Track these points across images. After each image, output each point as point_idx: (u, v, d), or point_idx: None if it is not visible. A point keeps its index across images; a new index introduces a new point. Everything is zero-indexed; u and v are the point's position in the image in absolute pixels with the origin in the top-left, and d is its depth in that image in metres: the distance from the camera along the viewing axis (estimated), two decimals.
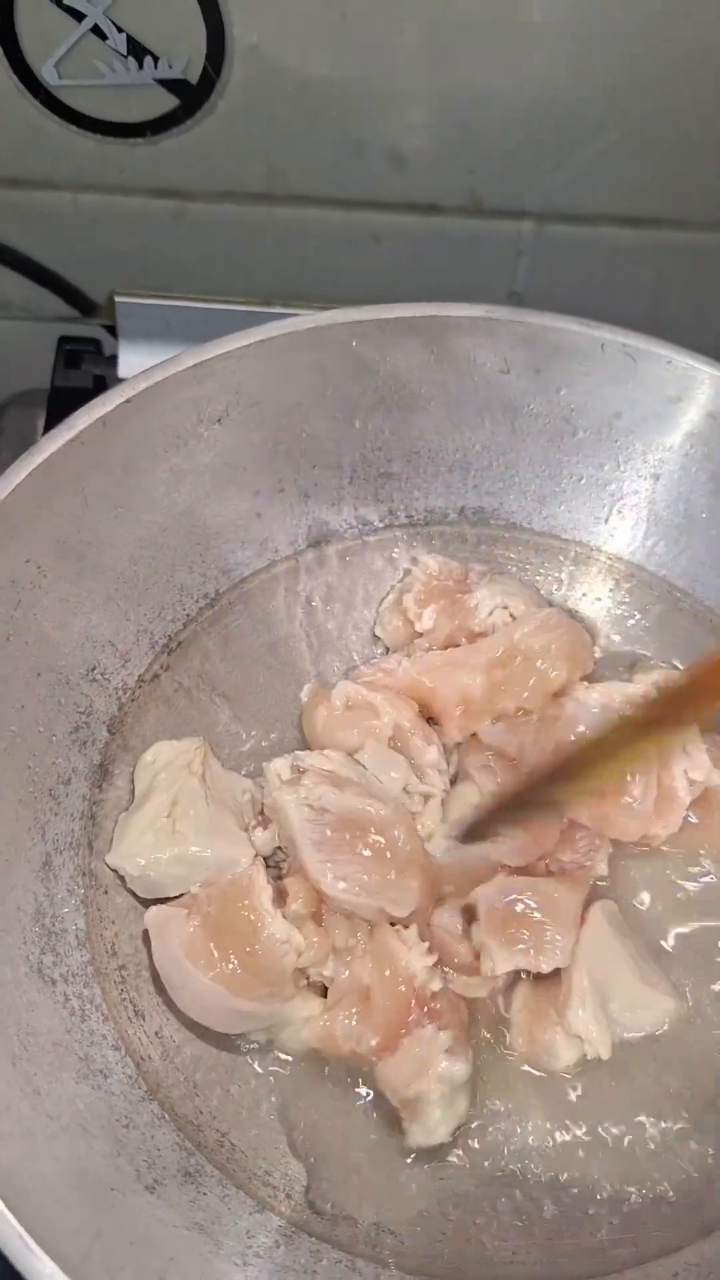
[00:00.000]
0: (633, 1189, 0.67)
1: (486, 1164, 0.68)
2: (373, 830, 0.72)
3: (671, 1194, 0.68)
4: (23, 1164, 0.57)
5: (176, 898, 0.72)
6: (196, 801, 0.73)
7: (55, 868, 0.71)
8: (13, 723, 0.72)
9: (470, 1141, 0.68)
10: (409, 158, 0.91)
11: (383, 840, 0.72)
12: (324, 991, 0.71)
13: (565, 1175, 0.68)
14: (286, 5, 0.82)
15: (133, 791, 0.76)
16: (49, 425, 1.00)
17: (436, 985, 0.69)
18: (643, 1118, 0.70)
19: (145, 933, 0.71)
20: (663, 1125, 0.70)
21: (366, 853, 0.71)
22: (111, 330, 1.02)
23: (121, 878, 0.73)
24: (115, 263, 0.98)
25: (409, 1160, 0.67)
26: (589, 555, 0.87)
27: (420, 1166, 0.67)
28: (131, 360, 1.01)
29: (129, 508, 0.79)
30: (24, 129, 0.89)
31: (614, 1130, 0.69)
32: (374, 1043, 0.68)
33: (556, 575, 0.87)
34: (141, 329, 1.00)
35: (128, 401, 0.77)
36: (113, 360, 1.02)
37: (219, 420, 0.82)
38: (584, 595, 0.87)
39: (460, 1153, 0.68)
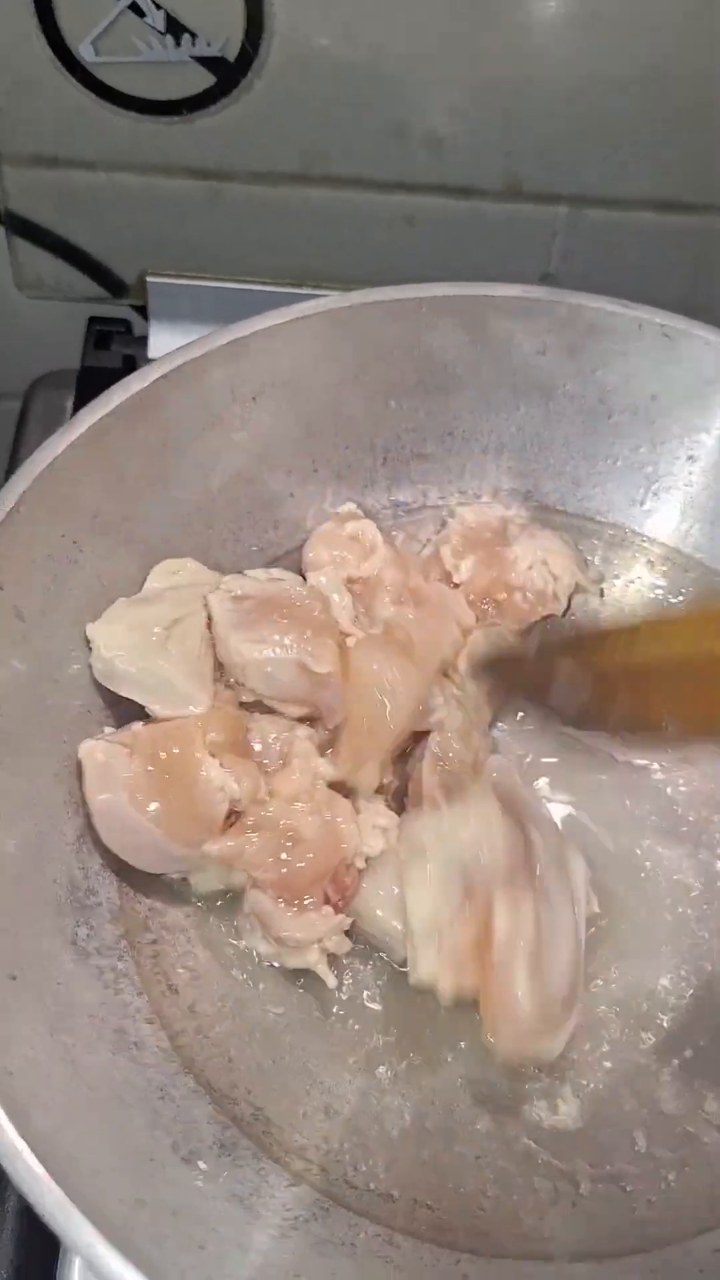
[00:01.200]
0: (670, 1166, 0.67)
1: (523, 1141, 0.67)
2: (290, 605, 0.76)
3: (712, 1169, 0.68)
4: (63, 1132, 0.57)
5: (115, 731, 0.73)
6: (195, 632, 0.75)
7: (89, 841, 0.71)
8: (49, 697, 0.72)
9: (503, 1118, 0.68)
10: (446, 140, 0.91)
11: (298, 612, 0.75)
12: None
13: (600, 1151, 0.67)
14: None
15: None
16: (78, 405, 0.99)
17: (377, 849, 0.72)
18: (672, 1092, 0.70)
19: (79, 766, 0.71)
20: (698, 1097, 0.69)
21: (284, 621, 0.75)
22: (142, 311, 1.02)
23: (88, 644, 0.74)
24: (148, 243, 0.98)
25: (444, 1140, 0.67)
26: (624, 538, 0.87)
27: (456, 1144, 0.67)
28: (162, 341, 1.00)
29: (163, 484, 0.79)
30: (60, 107, 0.89)
31: (648, 1107, 0.69)
32: (270, 879, 0.70)
33: (591, 558, 0.87)
34: (172, 310, 1.00)
35: (164, 377, 0.77)
36: (143, 341, 1.01)
37: (253, 399, 0.81)
38: (618, 577, 0.86)
39: (496, 1129, 0.68)
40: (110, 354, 1.02)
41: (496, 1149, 0.67)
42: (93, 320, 1.03)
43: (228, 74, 0.87)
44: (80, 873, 0.70)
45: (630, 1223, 0.65)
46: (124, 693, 0.74)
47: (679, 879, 0.76)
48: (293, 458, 0.84)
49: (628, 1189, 0.66)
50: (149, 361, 0.98)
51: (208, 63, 0.86)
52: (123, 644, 0.73)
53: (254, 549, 0.84)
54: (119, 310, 1.03)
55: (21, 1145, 0.53)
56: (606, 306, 0.83)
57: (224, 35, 0.85)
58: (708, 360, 0.82)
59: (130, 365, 1.01)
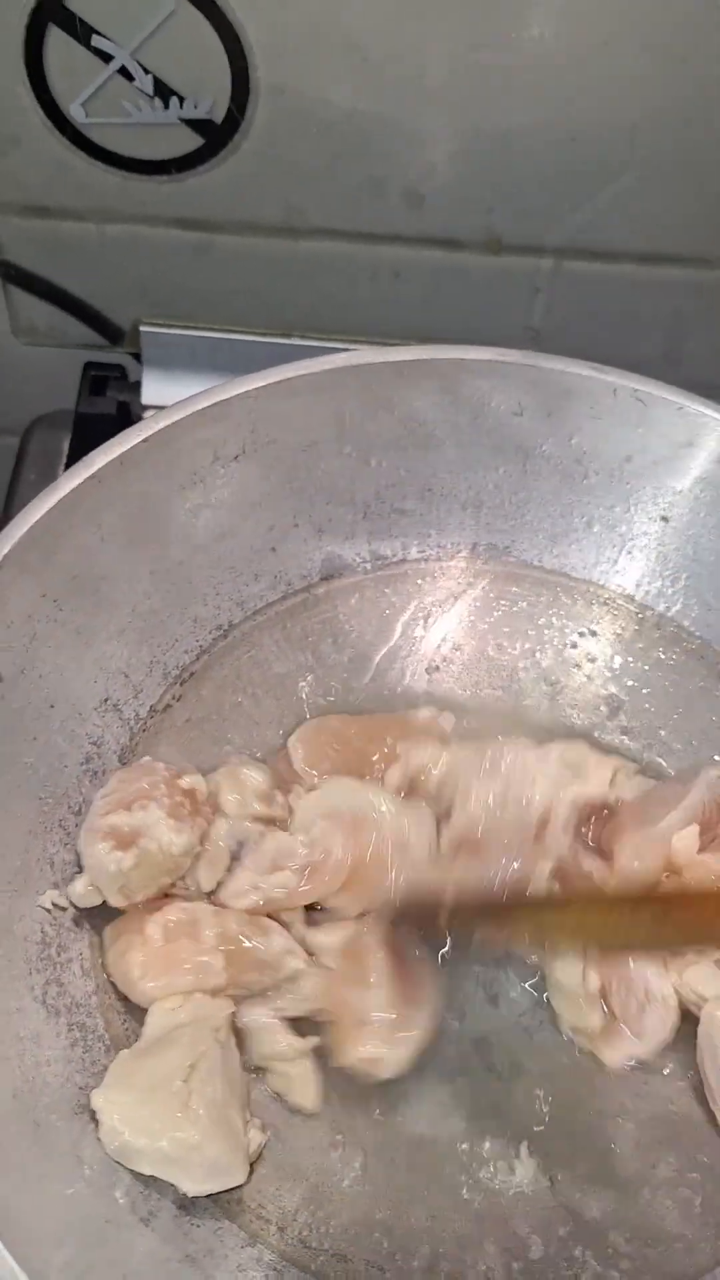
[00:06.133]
0: (624, 1231, 0.69)
1: (476, 1204, 0.69)
2: None
3: (666, 1233, 0.69)
4: (17, 1197, 0.59)
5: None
6: (216, 1076, 0.66)
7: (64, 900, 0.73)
8: (27, 754, 0.74)
9: (462, 1178, 0.70)
10: (429, 196, 0.92)
11: None
12: None
13: (552, 1215, 0.69)
14: (310, 47, 0.84)
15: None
16: (73, 449, 1.02)
17: None
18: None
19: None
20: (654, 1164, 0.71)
21: None
22: (136, 357, 1.04)
23: (94, 1116, 0.65)
24: (140, 292, 1.00)
25: (399, 1201, 0.69)
26: (597, 594, 0.88)
27: (412, 1205, 0.69)
28: (155, 387, 1.02)
29: (145, 543, 0.81)
30: (51, 164, 0.91)
31: (604, 1170, 0.70)
32: None
33: (564, 613, 0.88)
34: (165, 357, 1.02)
35: (145, 440, 0.79)
36: (136, 387, 1.03)
37: (235, 458, 0.83)
38: (590, 633, 0.88)
39: (452, 1190, 0.69)
40: (105, 399, 1.03)
41: (451, 1211, 0.69)
42: (88, 365, 1.05)
43: (215, 135, 0.88)
44: (52, 929, 0.72)
45: None
46: (144, 1170, 0.64)
47: None
48: (274, 514, 0.86)
49: (576, 1254, 0.67)
50: (143, 408, 1.01)
51: (195, 124, 0.88)
52: (140, 1119, 0.64)
53: (235, 602, 0.85)
54: (115, 356, 1.05)
55: None
56: (581, 371, 0.84)
57: (211, 98, 0.86)
58: (679, 424, 0.84)
59: (125, 411, 1.03)
